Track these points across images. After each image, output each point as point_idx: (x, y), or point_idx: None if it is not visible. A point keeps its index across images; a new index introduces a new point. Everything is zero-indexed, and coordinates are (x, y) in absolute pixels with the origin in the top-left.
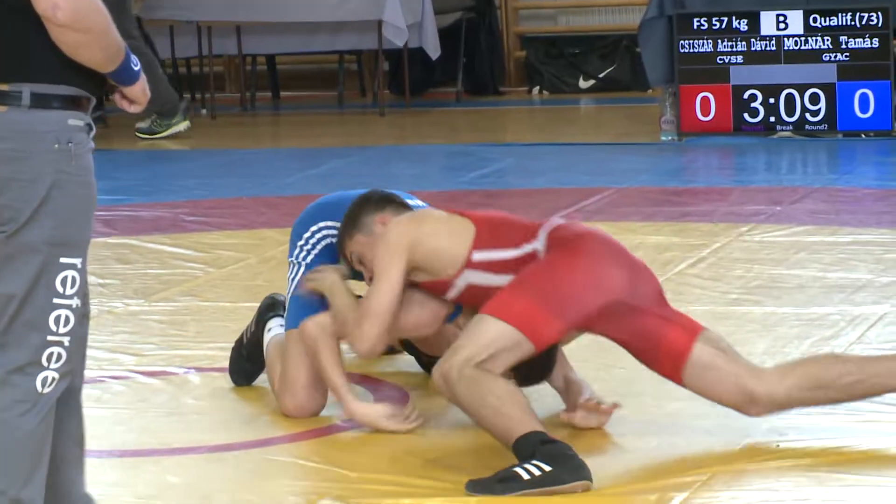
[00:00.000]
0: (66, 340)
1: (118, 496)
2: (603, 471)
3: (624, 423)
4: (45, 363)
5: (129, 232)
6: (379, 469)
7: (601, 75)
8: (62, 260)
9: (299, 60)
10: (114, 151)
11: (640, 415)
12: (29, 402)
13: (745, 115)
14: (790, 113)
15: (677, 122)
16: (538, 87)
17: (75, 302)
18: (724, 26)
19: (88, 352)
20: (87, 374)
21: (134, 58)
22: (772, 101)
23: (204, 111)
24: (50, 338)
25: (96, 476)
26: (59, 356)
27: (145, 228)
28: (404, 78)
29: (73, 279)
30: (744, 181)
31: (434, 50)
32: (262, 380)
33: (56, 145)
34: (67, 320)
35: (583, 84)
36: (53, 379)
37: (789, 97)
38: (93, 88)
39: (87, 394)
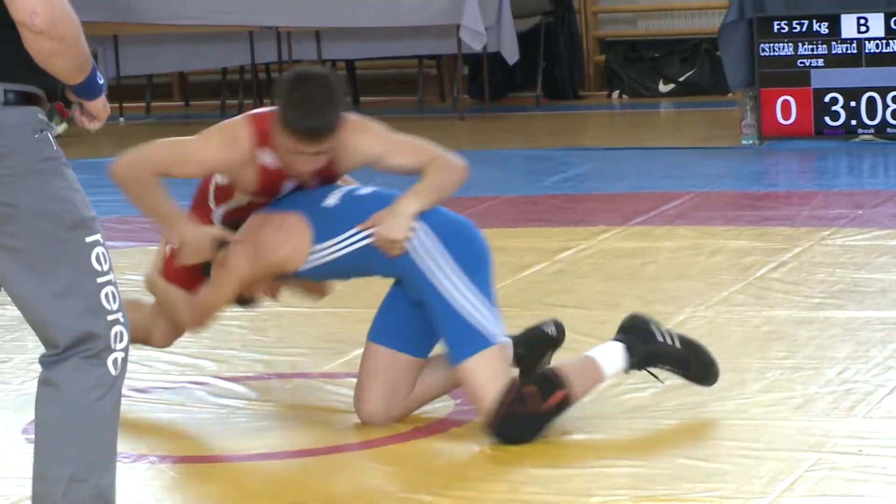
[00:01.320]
0: (121, 316)
1: (199, 502)
2: (685, 475)
3: (706, 428)
4: (113, 345)
5: None
6: (460, 475)
7: (681, 79)
8: (87, 239)
9: (379, 65)
10: None
11: (722, 419)
12: (105, 385)
13: (827, 119)
14: (871, 116)
15: (758, 126)
16: (618, 91)
17: (114, 276)
18: (804, 29)
19: (170, 357)
20: (170, 378)
21: (98, 73)
22: (853, 104)
23: None
24: (110, 317)
25: (178, 481)
26: (122, 335)
27: None
28: (484, 82)
29: (104, 254)
30: (825, 185)
31: (512, 55)
32: (346, 383)
33: (35, 135)
34: (115, 296)
35: (663, 88)
36: (121, 360)
37: (871, 100)
38: (51, 91)
39: (169, 398)
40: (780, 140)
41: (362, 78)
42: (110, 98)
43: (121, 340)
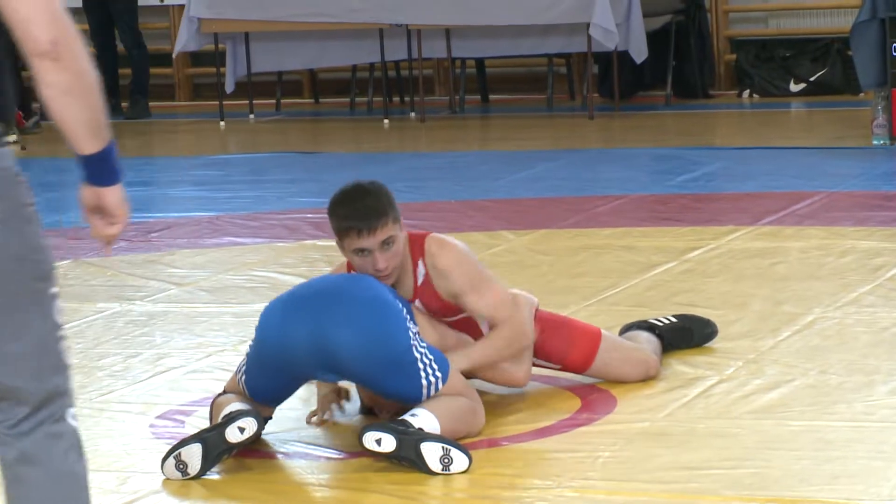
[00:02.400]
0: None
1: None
2: (811, 477)
3: (833, 430)
4: (71, 399)
5: None
6: (580, 475)
7: (812, 79)
8: (51, 291)
9: (508, 63)
10: (321, 154)
11: (850, 421)
12: (76, 446)
13: None
14: None
15: (889, 126)
16: (748, 91)
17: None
18: None
19: None
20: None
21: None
22: None
23: (413, 114)
24: (68, 372)
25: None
26: (72, 387)
27: None
28: (614, 81)
29: (60, 306)
30: None
31: (639, 54)
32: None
33: (18, 177)
34: (67, 349)
35: (793, 87)
36: (74, 411)
37: None
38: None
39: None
40: None
41: (491, 76)
42: (240, 95)
43: (72, 393)
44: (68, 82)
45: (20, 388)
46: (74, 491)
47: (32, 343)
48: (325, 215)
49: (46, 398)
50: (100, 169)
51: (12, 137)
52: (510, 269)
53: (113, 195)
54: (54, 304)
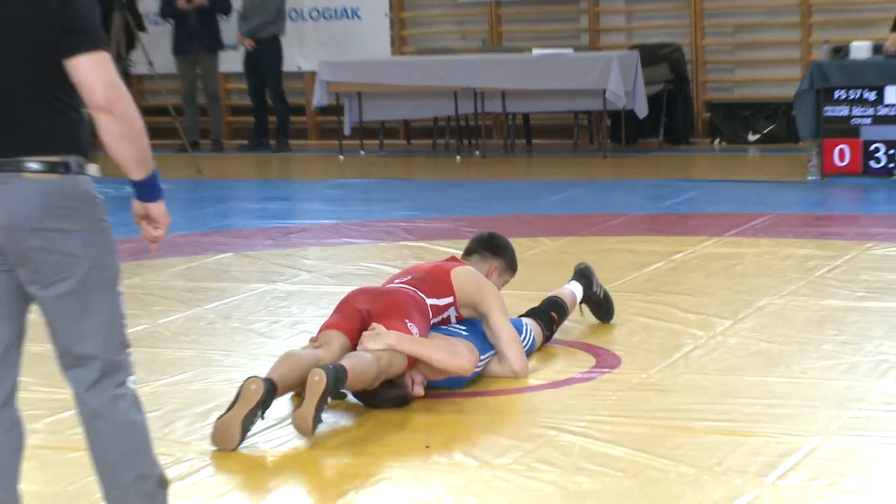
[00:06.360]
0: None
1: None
2: (761, 417)
3: (779, 385)
4: (131, 369)
5: (424, 237)
6: (582, 412)
7: (765, 131)
8: (119, 289)
9: (547, 117)
10: (412, 180)
11: (789, 378)
12: (135, 403)
13: (871, 162)
14: None
15: (821, 166)
16: (718, 139)
17: None
18: (857, 97)
19: None
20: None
21: (159, 179)
22: (892, 151)
23: (477, 153)
24: (129, 349)
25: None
26: (132, 363)
27: (434, 235)
28: (622, 131)
29: (123, 301)
30: (869, 210)
31: (642, 111)
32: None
33: (97, 198)
34: (128, 334)
35: (751, 137)
36: (134, 378)
37: None
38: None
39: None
40: (837, 177)
41: (534, 126)
42: (355, 137)
43: (132, 366)
44: (119, 132)
45: (95, 357)
46: (137, 434)
47: (105, 324)
48: (416, 225)
49: (113, 367)
50: (146, 190)
51: (92, 167)
52: (546, 265)
53: (157, 208)
54: (119, 298)
